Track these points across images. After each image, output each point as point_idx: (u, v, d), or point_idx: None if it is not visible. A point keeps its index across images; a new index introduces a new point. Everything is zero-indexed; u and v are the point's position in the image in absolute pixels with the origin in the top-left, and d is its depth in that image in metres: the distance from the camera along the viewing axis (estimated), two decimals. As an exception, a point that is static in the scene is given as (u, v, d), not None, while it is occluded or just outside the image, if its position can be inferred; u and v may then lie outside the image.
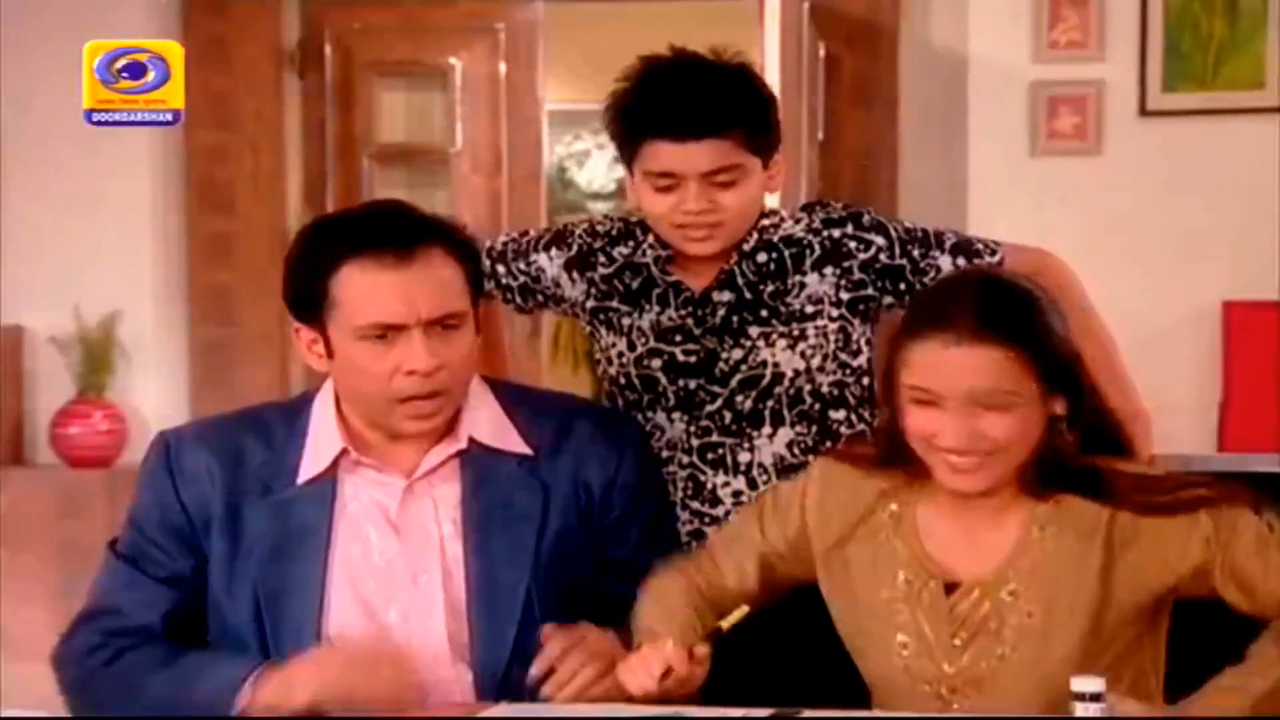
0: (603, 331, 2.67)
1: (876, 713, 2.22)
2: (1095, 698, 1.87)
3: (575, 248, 2.67)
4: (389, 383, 2.27)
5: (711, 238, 2.56)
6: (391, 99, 5.60)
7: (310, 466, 2.33)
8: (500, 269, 2.73)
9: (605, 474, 2.38)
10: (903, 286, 2.61)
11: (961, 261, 2.62)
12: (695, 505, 2.63)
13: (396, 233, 2.27)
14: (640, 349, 2.63)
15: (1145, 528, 2.14)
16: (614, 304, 2.65)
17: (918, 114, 4.97)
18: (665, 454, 2.64)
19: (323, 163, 5.44)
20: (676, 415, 2.63)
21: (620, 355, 2.65)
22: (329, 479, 2.33)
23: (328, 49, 5.45)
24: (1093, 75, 4.74)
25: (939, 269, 2.61)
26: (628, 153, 2.57)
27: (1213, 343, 4.60)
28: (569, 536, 2.34)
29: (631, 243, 2.65)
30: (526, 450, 2.36)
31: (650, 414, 2.64)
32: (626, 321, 2.64)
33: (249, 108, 5.32)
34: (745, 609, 2.21)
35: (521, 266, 2.71)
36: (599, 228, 2.68)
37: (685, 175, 2.51)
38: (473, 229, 2.45)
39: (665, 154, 2.51)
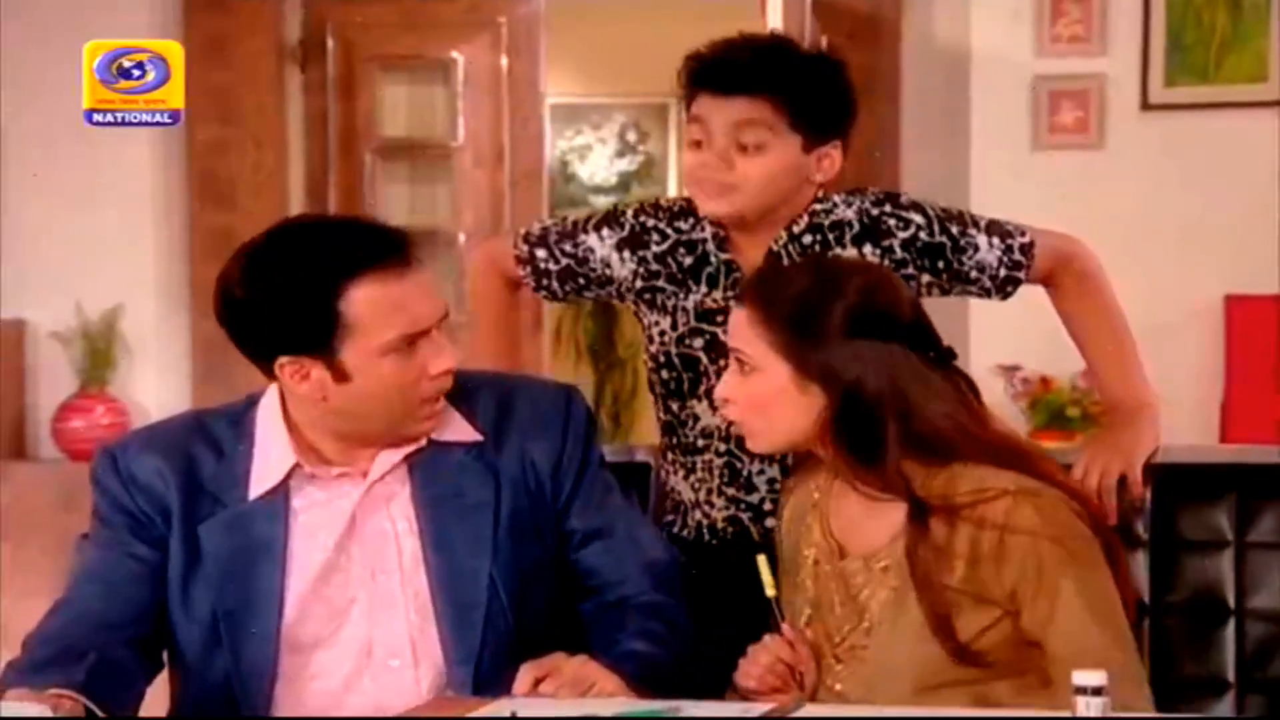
0: (646, 310, 2.69)
1: (875, 710, 2.23)
2: (1097, 691, 1.87)
3: (628, 228, 2.69)
4: (416, 389, 2.26)
5: (723, 197, 2.57)
6: (393, 93, 5.60)
7: (261, 482, 2.31)
8: (540, 253, 2.72)
9: (552, 452, 2.37)
10: (941, 264, 2.63)
11: (996, 240, 2.65)
12: (731, 491, 2.64)
13: (387, 242, 2.25)
14: (683, 328, 2.65)
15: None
16: (660, 283, 2.66)
17: (920, 108, 4.98)
18: (701, 442, 2.66)
19: (325, 157, 5.45)
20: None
21: (663, 334, 2.67)
22: (281, 490, 2.31)
23: (330, 43, 5.45)
24: (1095, 69, 4.75)
25: (977, 246, 2.64)
26: (687, 110, 2.63)
27: (1214, 336, 4.61)
28: (523, 516, 2.33)
29: (691, 219, 2.67)
30: (476, 437, 2.35)
31: (688, 401, 2.66)
32: (672, 302, 2.66)
33: (251, 102, 5.32)
34: (762, 557, 2.29)
35: (567, 248, 2.71)
36: (660, 203, 2.72)
37: (714, 128, 2.53)
38: (475, 224, 2.44)
39: (701, 103, 2.56)
